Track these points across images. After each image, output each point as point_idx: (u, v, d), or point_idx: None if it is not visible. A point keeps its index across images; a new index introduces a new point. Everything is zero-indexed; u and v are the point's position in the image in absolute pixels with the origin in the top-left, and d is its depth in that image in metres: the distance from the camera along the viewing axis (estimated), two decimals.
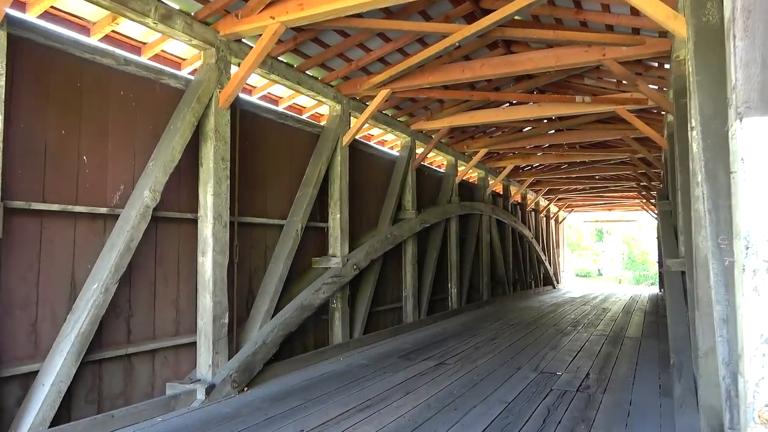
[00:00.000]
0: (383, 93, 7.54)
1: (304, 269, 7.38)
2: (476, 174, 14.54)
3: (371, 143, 9.87)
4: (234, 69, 5.81)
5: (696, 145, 3.46)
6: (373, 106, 7.65)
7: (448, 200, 11.80)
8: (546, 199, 22.21)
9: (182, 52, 6.09)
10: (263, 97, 7.50)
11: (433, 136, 10.07)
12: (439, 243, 11.08)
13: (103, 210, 4.70)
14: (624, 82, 8.54)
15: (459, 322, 10.61)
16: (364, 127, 9.62)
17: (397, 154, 9.99)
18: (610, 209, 27.45)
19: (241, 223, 6.15)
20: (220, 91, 5.60)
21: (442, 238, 11.44)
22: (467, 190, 13.76)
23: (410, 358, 7.14)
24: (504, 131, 12.04)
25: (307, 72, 7.08)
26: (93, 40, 5.08)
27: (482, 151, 11.99)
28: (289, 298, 6.74)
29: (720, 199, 2.78)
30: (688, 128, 3.80)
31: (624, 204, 25.16)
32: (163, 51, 5.88)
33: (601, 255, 42.07)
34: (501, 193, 16.68)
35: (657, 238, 17.56)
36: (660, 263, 18.19)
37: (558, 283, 23.67)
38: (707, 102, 3.09)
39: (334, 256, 7.54)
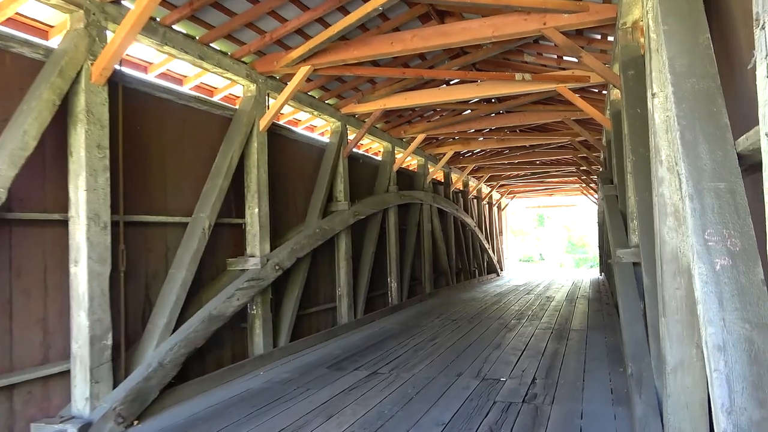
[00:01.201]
0: (304, 70, 6.66)
1: (217, 272, 6.44)
2: (416, 161, 13.89)
3: (297, 129, 8.95)
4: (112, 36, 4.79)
5: (664, 114, 2.81)
6: (292, 85, 6.75)
7: (386, 189, 11.06)
8: (488, 185, 21.92)
9: (48, 18, 4.99)
10: (164, 76, 6.47)
11: (366, 121, 9.26)
12: (377, 235, 10.33)
13: None
14: (565, 58, 8.01)
15: (399, 320, 9.92)
16: (288, 111, 8.75)
17: (327, 140, 9.12)
18: (551, 194, 27.59)
19: (131, 222, 5.15)
20: (92, 63, 4.57)
21: (380, 229, 10.70)
22: (406, 179, 13.07)
23: (340, 367, 6.36)
24: (442, 115, 11.39)
25: (211, 45, 6.10)
26: None
27: (420, 137, 11.29)
28: (198, 308, 5.81)
29: (705, 181, 2.11)
30: (648, 96, 3.14)
31: (564, 189, 25.28)
32: (20, 14, 4.78)
33: (543, 240, 42.73)
34: (442, 180, 16.11)
35: (598, 223, 17.51)
36: (601, 248, 18.21)
37: (502, 270, 23.53)
38: (680, 56, 2.42)
39: (253, 257, 6.63)
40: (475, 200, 20.08)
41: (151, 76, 6.21)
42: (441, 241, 14.71)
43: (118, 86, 4.98)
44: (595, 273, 22.23)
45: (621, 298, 4.87)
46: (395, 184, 11.38)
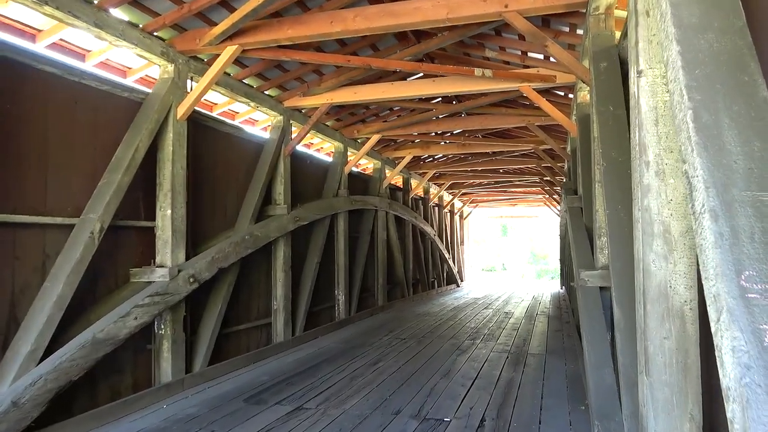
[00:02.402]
0: (230, 50, 5.72)
1: (117, 285, 5.42)
2: (372, 165, 13.03)
3: (232, 121, 7.98)
4: None
5: (658, 96, 2.01)
6: (216, 66, 5.80)
7: (335, 193, 10.16)
8: (450, 193, 21.25)
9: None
10: (58, 47, 5.42)
11: (312, 117, 8.34)
12: (323, 243, 9.40)
13: None
14: (530, 54, 7.29)
15: (344, 337, 9.01)
16: (223, 101, 7.78)
17: (267, 136, 8.18)
18: (513, 204, 27.17)
19: None
20: None
21: (328, 237, 9.79)
22: (361, 183, 12.21)
23: (260, 400, 5.41)
24: (400, 115, 10.58)
25: (112, 11, 5.10)
26: None
27: (374, 137, 10.43)
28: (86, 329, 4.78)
29: (737, 188, 1.29)
30: (631, 77, 2.35)
31: (527, 200, 24.86)
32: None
33: (506, 250, 42.47)
34: (401, 186, 15.32)
35: (560, 235, 17.01)
36: (562, 261, 17.71)
37: (462, 281, 22.87)
38: (690, 3, 1.61)
39: (162, 266, 5.63)
40: (436, 208, 19.36)
41: (39, 46, 5.16)
42: (397, 251, 13.87)
43: None
44: (555, 285, 21.78)
45: (585, 331, 4.10)
46: (346, 188, 10.49)
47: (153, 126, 5.53)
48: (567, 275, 14.56)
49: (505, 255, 41.89)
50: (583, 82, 5.67)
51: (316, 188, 9.87)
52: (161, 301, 5.38)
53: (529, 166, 15.09)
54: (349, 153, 10.73)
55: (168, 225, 5.72)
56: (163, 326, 5.68)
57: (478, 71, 6.75)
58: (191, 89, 6.03)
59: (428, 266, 17.53)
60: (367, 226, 11.88)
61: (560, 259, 19.19)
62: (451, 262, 20.54)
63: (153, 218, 5.77)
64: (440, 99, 9.82)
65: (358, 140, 11.09)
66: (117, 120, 5.38)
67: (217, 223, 6.99)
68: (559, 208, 20.03)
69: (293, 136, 8.39)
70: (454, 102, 9.53)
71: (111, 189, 4.99)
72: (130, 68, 6.30)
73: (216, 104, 7.88)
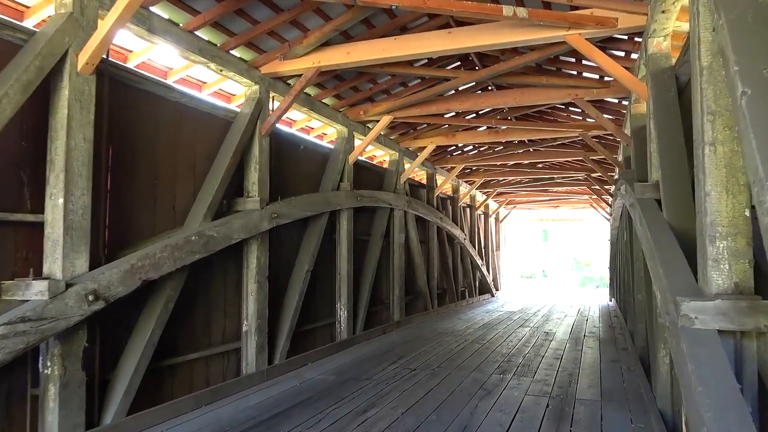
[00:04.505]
0: None
1: None
2: (389, 157, 11.20)
3: (185, 89, 6.27)
4: None
5: None
6: None
7: (336, 187, 8.37)
8: (483, 193, 19.19)
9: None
10: None
11: (294, 85, 6.57)
12: (316, 247, 7.61)
13: None
14: None
15: (339, 366, 7.18)
16: (182, 64, 6.11)
17: (237, 110, 6.46)
18: (556, 206, 24.80)
19: None
20: None
21: (327, 240, 8.03)
22: (374, 176, 10.41)
23: None
24: (416, 91, 8.68)
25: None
26: None
27: (385, 119, 8.60)
28: None
29: None
30: None
31: (571, 201, 22.50)
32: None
33: (547, 256, 39.84)
34: (425, 183, 13.43)
35: (610, 241, 14.75)
36: (612, 269, 15.44)
37: (497, 290, 20.73)
38: None
39: (48, 278, 3.95)
40: (467, 209, 17.37)
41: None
42: (418, 257, 11.97)
43: None
44: (603, 296, 19.40)
45: (695, 408, 2.12)
46: (351, 181, 8.69)
47: (32, 77, 3.86)
48: (619, 288, 12.35)
49: (546, 261, 39.28)
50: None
51: (312, 181, 8.11)
52: (33, 330, 3.67)
53: (575, 159, 12.96)
54: (353, 138, 8.94)
55: (59, 219, 4.04)
56: (50, 364, 3.99)
57: (507, 9, 4.84)
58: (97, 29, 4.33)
59: (457, 274, 15.54)
60: (380, 228, 10.05)
61: (609, 267, 16.88)
62: (484, 269, 18.47)
63: (41, 210, 4.11)
64: (459, 63, 7.93)
65: (368, 125, 9.29)
66: None
67: (160, 220, 5.30)
68: (608, 210, 17.71)
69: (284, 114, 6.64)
70: (477, 68, 7.61)
71: None
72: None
73: (170, 69, 6.21)
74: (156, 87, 5.31)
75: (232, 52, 5.98)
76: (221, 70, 5.93)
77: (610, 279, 17.05)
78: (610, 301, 16.70)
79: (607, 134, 10.38)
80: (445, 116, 9.92)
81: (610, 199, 15.44)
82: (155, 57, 5.90)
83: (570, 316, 13.16)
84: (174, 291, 5.07)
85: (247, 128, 6.19)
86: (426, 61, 7.90)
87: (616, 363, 7.33)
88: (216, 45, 5.78)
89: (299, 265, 7.40)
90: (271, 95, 6.72)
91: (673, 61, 4.89)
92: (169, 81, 6.09)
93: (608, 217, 17.25)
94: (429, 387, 6.03)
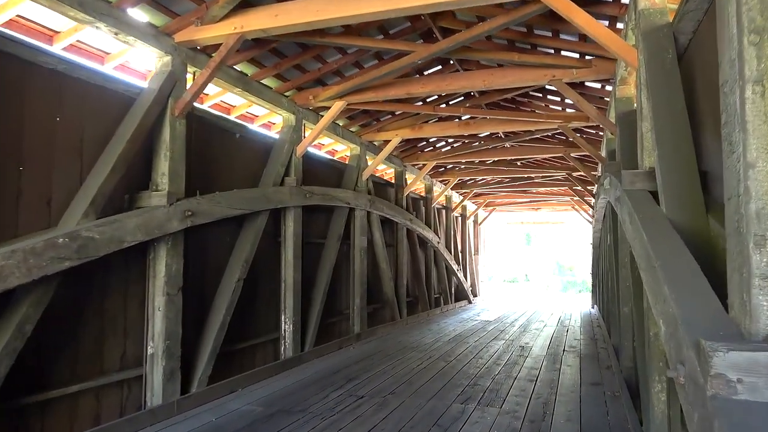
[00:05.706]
0: None
1: None
2: (350, 151, 10.12)
3: (80, 61, 5.13)
4: None
5: None
6: None
7: (280, 182, 7.26)
8: (460, 194, 18.19)
9: None
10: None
11: (214, 56, 5.45)
12: (252, 252, 6.50)
13: None
14: None
15: (273, 393, 6.05)
16: (67, 26, 4.97)
17: (145, 85, 5.33)
18: (536, 209, 23.91)
19: None
20: None
21: (268, 243, 6.95)
22: (332, 172, 9.34)
23: None
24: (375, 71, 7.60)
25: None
26: None
27: (337, 104, 7.51)
28: None
29: None
30: None
31: (551, 203, 21.60)
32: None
33: (528, 260, 39.02)
34: (393, 181, 12.37)
35: (592, 245, 13.81)
36: (595, 275, 14.52)
37: (475, 296, 19.72)
38: None
39: None
40: (443, 211, 16.35)
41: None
42: (384, 262, 10.88)
43: None
44: (585, 302, 18.48)
45: None
46: (299, 176, 7.58)
47: None
48: (602, 296, 11.41)
49: (529, 265, 38.46)
50: None
51: (252, 175, 7.01)
52: None
53: (555, 156, 12.00)
54: (304, 127, 7.84)
55: None
56: None
57: None
58: None
59: (430, 281, 14.47)
60: (337, 230, 8.96)
61: (592, 273, 15.98)
62: (461, 274, 17.44)
63: None
64: (420, 36, 6.90)
65: (321, 113, 8.20)
66: None
67: (26, 218, 4.16)
68: (590, 213, 16.81)
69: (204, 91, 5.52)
70: (434, 35, 6.55)
71: None
72: None
73: (56, 32, 5.05)
74: (21, 49, 4.17)
75: (129, 10, 4.85)
76: (116, 34, 4.80)
77: (593, 285, 16.14)
78: (593, 308, 15.76)
79: (589, 126, 9.44)
80: (413, 104, 8.87)
81: (593, 200, 14.51)
82: (28, 13, 4.73)
83: (550, 325, 12.16)
84: (33, 309, 3.92)
85: (153, 107, 5.07)
86: (382, 37, 6.87)
87: (598, 387, 6.30)
88: (109, 1, 4.66)
89: (229, 274, 6.28)
90: (190, 70, 5.62)
91: (670, 18, 3.88)
92: (54, 48, 4.93)
93: (590, 219, 16.34)
94: (372, 423, 4.93)
